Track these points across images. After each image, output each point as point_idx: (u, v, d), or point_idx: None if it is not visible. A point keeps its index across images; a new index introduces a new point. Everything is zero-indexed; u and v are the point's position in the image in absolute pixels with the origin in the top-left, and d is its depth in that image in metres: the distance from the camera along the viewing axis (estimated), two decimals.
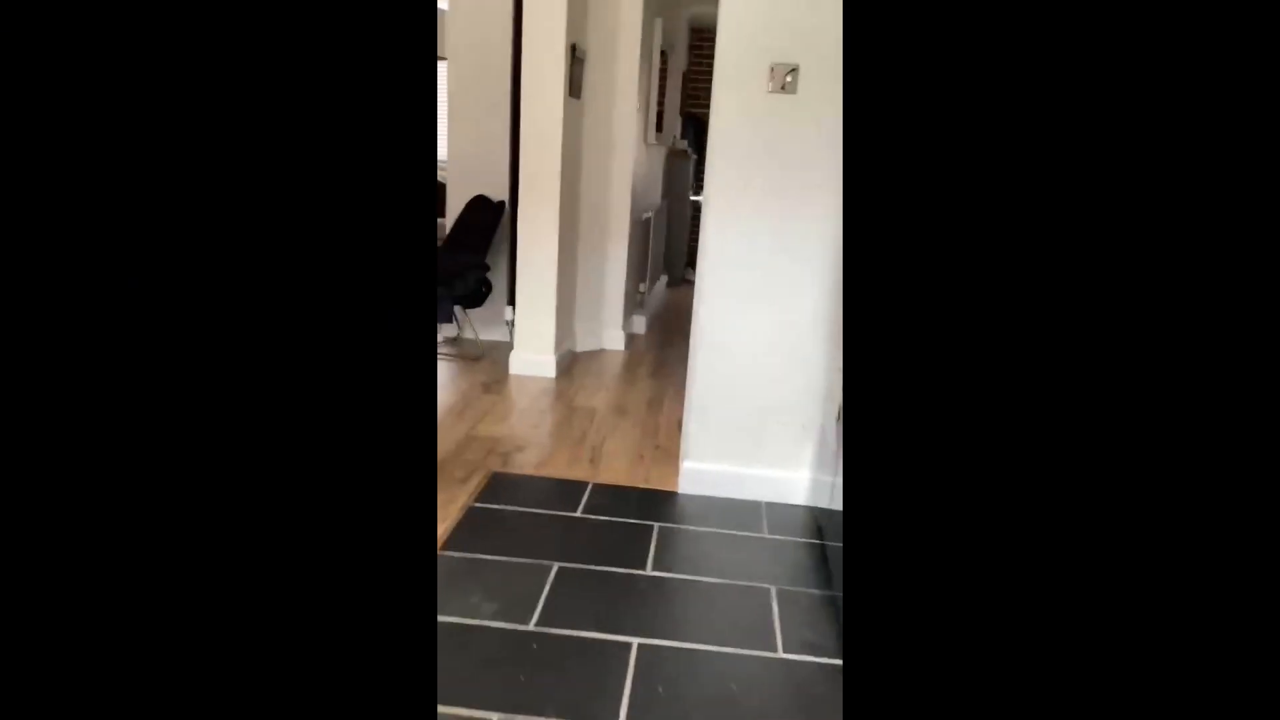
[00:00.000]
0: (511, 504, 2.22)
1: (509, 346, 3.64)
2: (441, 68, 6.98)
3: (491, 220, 3.75)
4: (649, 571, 1.92)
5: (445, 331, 4.08)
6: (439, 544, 1.96)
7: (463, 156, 3.99)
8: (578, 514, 2.20)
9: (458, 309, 3.66)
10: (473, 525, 2.08)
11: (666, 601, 1.80)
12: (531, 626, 1.66)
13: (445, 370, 3.54)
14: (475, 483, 2.35)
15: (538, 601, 1.75)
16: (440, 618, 1.65)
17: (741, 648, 1.64)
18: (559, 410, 3.13)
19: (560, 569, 1.89)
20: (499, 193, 3.91)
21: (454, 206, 4.04)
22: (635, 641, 1.63)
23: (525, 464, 2.54)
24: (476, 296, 3.60)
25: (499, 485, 2.35)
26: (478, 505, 2.20)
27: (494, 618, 1.67)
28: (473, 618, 1.66)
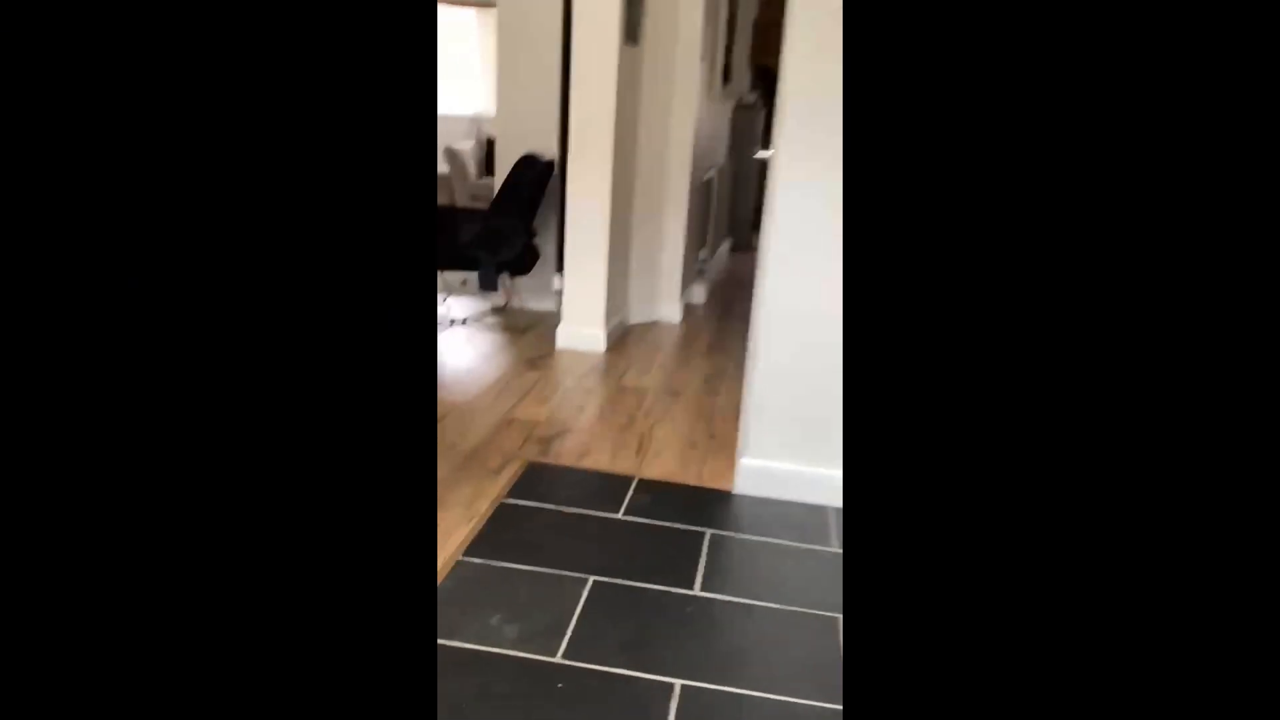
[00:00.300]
0: (546, 501, 1.99)
1: (557, 318, 3.40)
2: (488, 16, 6.65)
3: (539, 180, 3.48)
4: (697, 591, 1.66)
5: (491, 300, 3.87)
6: (462, 547, 1.75)
7: (511, 113, 3.72)
8: (619, 515, 1.95)
9: (503, 276, 3.42)
10: (501, 525, 1.86)
11: (716, 631, 1.54)
12: (558, 658, 1.42)
13: (489, 343, 3.33)
14: (509, 474, 2.12)
15: (567, 626, 1.51)
16: (452, 642, 1.44)
17: (804, 695, 1.37)
18: (606, 390, 2.88)
19: (595, 584, 1.65)
20: (549, 151, 3.63)
21: (502, 166, 3.79)
22: (678, 684, 1.38)
23: (565, 453, 2.30)
24: (522, 262, 3.36)
25: (534, 478, 2.12)
26: (509, 501, 1.98)
27: (515, 645, 1.45)
28: (490, 644, 1.44)
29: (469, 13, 6.60)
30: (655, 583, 1.67)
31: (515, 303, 3.70)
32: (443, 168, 5.55)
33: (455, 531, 1.81)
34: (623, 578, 1.68)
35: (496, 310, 3.80)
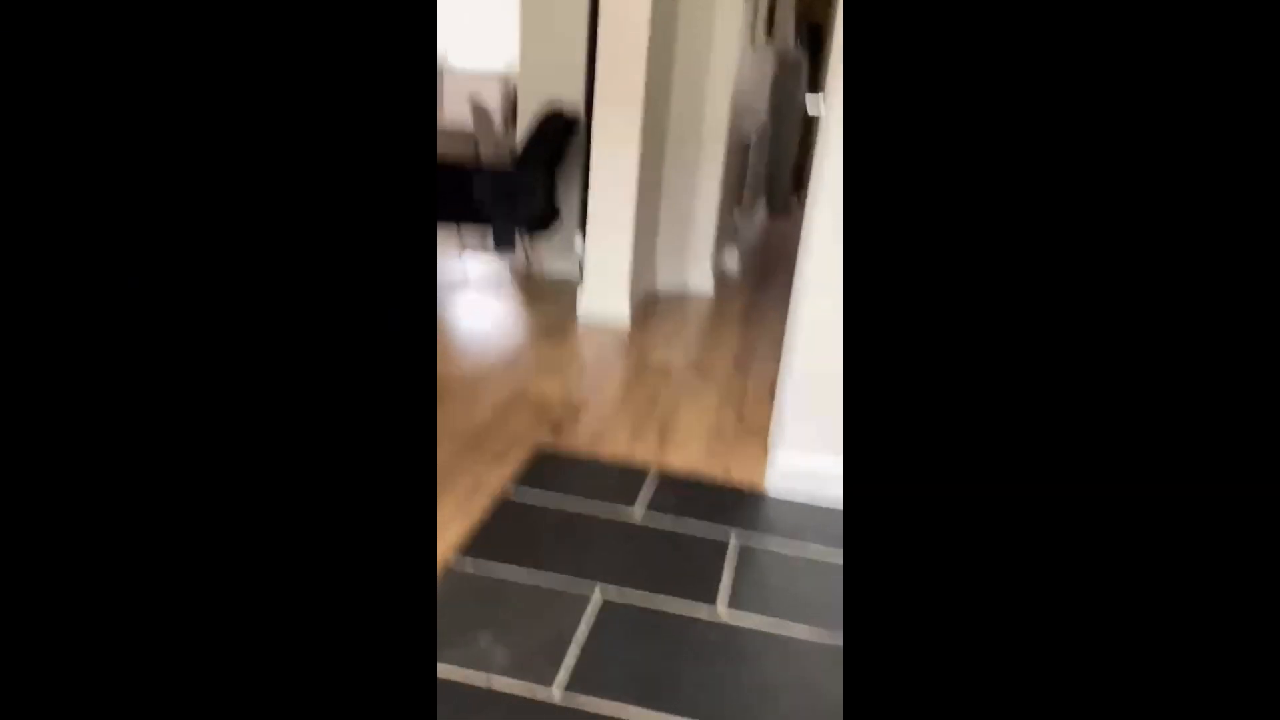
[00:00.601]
0: (554, 495, 1.77)
1: (578, 283, 3.15)
2: None
3: (563, 133, 3.20)
4: (720, 612, 1.44)
5: (510, 261, 3.63)
6: (454, 548, 1.54)
7: (535, 61, 3.43)
8: (635, 516, 1.73)
9: (523, 236, 3.18)
10: (502, 524, 1.65)
11: (742, 664, 1.32)
12: (555, 693, 1.21)
13: (504, 308, 3.10)
14: (514, 462, 1.91)
15: (568, 648, 1.30)
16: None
17: None
18: (628, 366, 2.64)
19: (604, 598, 1.43)
20: (574, 102, 3.35)
21: (526, 119, 3.52)
22: None
23: (579, 437, 2.08)
24: (542, 219, 3.10)
25: (543, 467, 1.90)
26: (514, 493, 1.76)
27: (506, 671, 1.24)
28: (477, 670, 1.24)
29: None
30: (673, 597, 1.45)
31: (535, 265, 3.46)
32: (469, 123, 5.30)
33: (448, 528, 1.61)
34: (637, 589, 1.46)
35: (515, 272, 3.57)
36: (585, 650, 1.30)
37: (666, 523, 1.71)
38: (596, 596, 1.44)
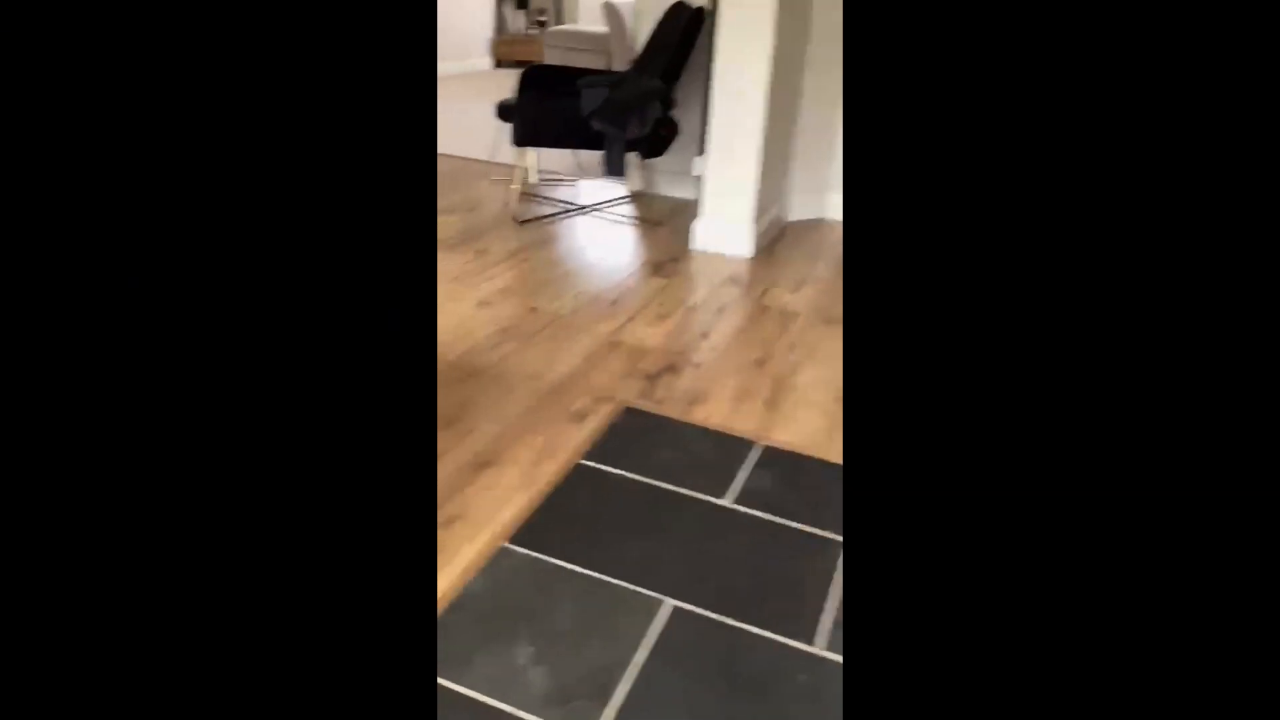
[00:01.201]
0: (635, 468, 1.51)
1: (696, 210, 2.80)
2: None
3: (685, 33, 2.78)
4: (819, 647, 1.13)
5: (625, 184, 3.31)
6: (510, 529, 1.33)
7: None
8: (726, 501, 1.43)
9: (632, 158, 2.84)
10: (568, 500, 1.41)
11: None
12: None
13: (611, 238, 2.81)
14: (595, 423, 1.66)
15: (619, 680, 1.06)
16: (452, 684, 1.03)
17: None
18: (743, 310, 2.29)
19: (674, 611, 1.17)
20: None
21: (646, 20, 3.11)
22: None
23: (674, 397, 1.79)
24: (655, 141, 2.74)
25: (627, 430, 1.63)
26: (588, 462, 1.52)
27: (540, 706, 1.02)
28: (503, 701, 1.02)
29: None
30: (760, 620, 1.16)
31: (650, 187, 3.12)
32: (601, 27, 4.93)
33: (507, 503, 1.39)
34: (714, 607, 1.18)
35: (630, 196, 3.25)
36: (641, 681, 1.05)
37: (766, 515, 1.40)
38: (665, 609, 1.18)
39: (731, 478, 1.50)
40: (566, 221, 2.94)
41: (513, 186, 3.00)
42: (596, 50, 4.93)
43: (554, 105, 2.73)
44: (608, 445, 1.58)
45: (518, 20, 6.47)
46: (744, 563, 1.28)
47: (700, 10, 2.79)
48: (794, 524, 1.38)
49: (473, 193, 3.15)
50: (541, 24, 6.45)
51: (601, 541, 1.31)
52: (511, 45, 6.35)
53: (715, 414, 1.72)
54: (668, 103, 2.72)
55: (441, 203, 3.00)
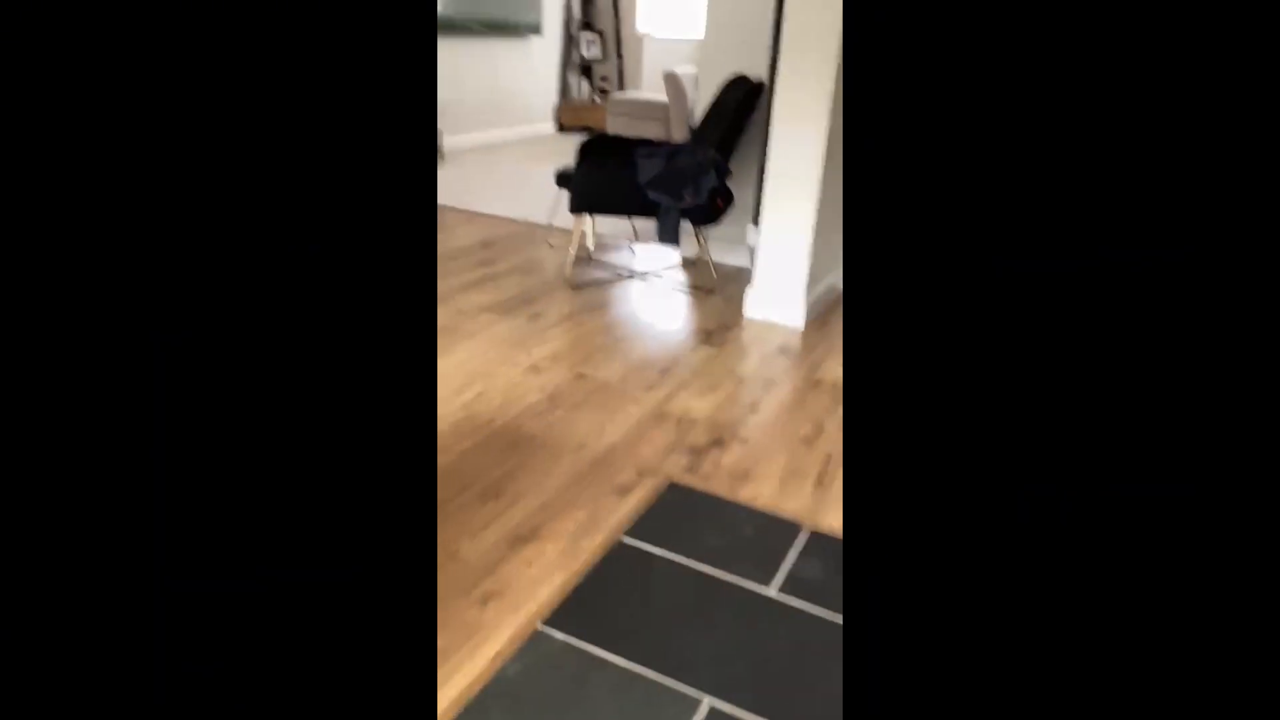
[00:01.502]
0: (678, 548, 1.47)
1: (748, 278, 2.79)
2: None
3: (741, 106, 2.83)
4: None
5: (676, 254, 3.34)
6: (545, 610, 1.30)
7: (720, 26, 3.08)
8: (772, 590, 1.38)
9: (686, 224, 2.87)
10: (609, 580, 1.38)
11: None
12: None
13: (664, 304, 2.83)
14: (639, 497, 1.63)
15: None
16: None
17: None
18: (794, 382, 2.26)
19: (713, 712, 1.12)
20: (760, 73, 2.96)
21: (706, 91, 3.19)
22: None
23: (720, 472, 1.75)
24: (710, 210, 2.77)
25: (670, 508, 1.60)
26: (630, 540, 1.49)
27: None
28: None
29: None
30: None
31: (705, 255, 3.14)
32: (662, 96, 5.07)
33: (546, 582, 1.37)
34: (753, 707, 1.13)
35: (685, 264, 3.28)
36: None
37: (811, 608, 1.34)
38: (703, 709, 1.13)
39: (778, 565, 1.44)
40: (620, 286, 2.97)
41: (569, 251, 3.06)
42: (656, 118, 5.06)
43: (611, 174, 2.79)
44: (651, 522, 1.55)
45: (582, 87, 6.72)
46: (787, 660, 1.22)
47: (760, 85, 2.85)
48: (840, 619, 1.32)
49: (531, 256, 3.23)
50: (604, 92, 6.68)
51: (640, 629, 1.27)
52: (575, 111, 6.59)
53: (762, 493, 1.68)
54: (723, 173, 2.76)
55: (500, 265, 3.08)
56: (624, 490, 1.66)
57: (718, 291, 2.97)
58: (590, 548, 1.47)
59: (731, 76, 3.00)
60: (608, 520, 1.55)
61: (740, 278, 3.06)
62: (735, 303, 2.83)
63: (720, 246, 3.29)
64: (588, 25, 6.51)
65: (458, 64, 5.34)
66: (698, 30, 5.89)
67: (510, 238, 3.49)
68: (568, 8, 6.37)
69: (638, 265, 3.23)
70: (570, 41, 6.49)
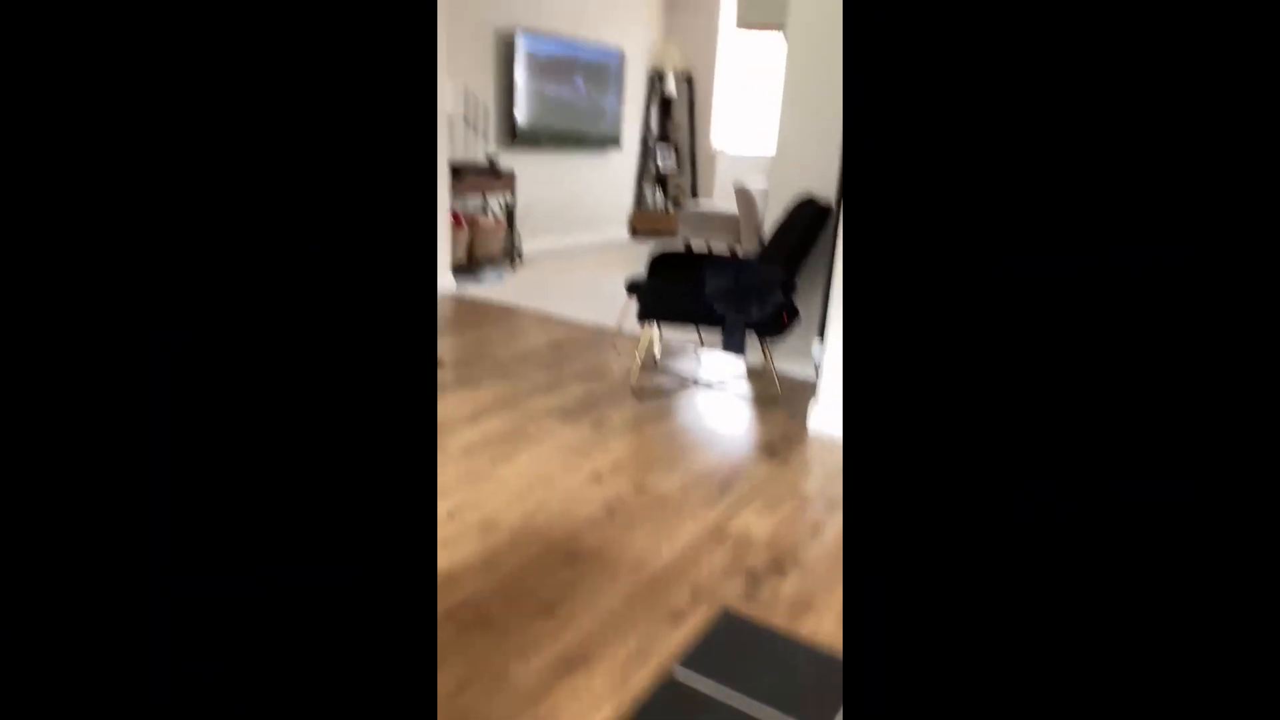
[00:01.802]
0: (731, 683, 1.41)
1: (813, 391, 2.77)
2: (778, 38, 6.23)
3: (810, 225, 2.89)
4: None
5: (741, 363, 3.36)
6: None
7: (791, 146, 3.20)
8: None
9: (753, 336, 2.89)
10: (657, 718, 1.32)
11: None
12: None
13: (728, 414, 2.82)
14: (693, 624, 1.58)
15: None
16: None
17: None
18: None
19: None
20: (828, 197, 3.03)
21: (774, 210, 3.29)
22: None
23: (779, 600, 1.69)
24: (775, 324, 2.79)
25: (725, 640, 1.54)
26: (681, 672, 1.43)
27: None
28: None
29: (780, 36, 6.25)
30: None
31: (770, 366, 3.14)
32: (732, 208, 5.24)
33: (593, 714, 1.33)
34: None
35: (750, 374, 3.29)
36: None
37: None
38: None
39: (836, 711, 1.36)
40: (684, 395, 2.99)
41: (636, 357, 3.12)
42: (726, 230, 5.21)
43: (679, 286, 2.87)
44: (704, 653, 1.49)
45: (656, 196, 7.02)
46: None
47: (828, 209, 2.92)
48: None
49: (598, 361, 3.30)
50: (677, 202, 6.96)
51: None
52: (648, 219, 6.86)
53: (823, 627, 1.60)
54: (790, 290, 2.80)
55: (566, 370, 3.16)
56: (678, 616, 1.61)
57: (782, 404, 2.95)
58: (640, 680, 1.42)
59: (801, 197, 3.09)
60: (659, 649, 1.50)
61: (805, 391, 3.03)
62: (800, 416, 2.80)
63: (786, 358, 3.29)
64: (664, 139, 6.87)
65: (539, 173, 5.69)
66: (769, 148, 6.14)
67: (579, 342, 3.59)
68: (646, 124, 6.75)
69: (703, 374, 3.26)
70: (647, 154, 6.84)
